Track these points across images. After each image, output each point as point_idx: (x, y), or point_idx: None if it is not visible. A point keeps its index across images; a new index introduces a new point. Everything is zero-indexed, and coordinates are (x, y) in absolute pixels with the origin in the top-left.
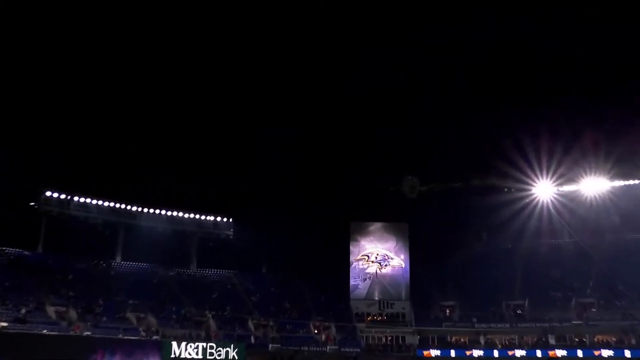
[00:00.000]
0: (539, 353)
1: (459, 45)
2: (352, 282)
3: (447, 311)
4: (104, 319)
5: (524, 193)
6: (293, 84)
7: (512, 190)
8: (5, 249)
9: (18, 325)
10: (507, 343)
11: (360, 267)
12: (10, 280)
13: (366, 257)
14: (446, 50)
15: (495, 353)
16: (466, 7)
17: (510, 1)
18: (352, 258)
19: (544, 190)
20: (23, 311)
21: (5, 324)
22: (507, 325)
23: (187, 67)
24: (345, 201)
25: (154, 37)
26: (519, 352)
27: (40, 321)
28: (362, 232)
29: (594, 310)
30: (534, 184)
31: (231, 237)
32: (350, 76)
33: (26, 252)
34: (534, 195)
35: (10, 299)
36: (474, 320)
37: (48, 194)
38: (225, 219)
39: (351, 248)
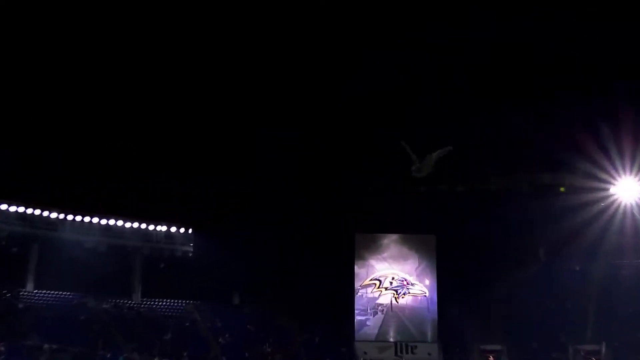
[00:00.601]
0: None
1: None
2: (357, 316)
3: (490, 358)
4: None
5: (599, 195)
6: (287, 83)
7: (582, 190)
8: None
9: None
10: None
11: (369, 295)
12: None
13: (377, 282)
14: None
15: None
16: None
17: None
18: (357, 284)
19: (627, 190)
20: None
21: None
22: None
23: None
24: (349, 206)
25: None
26: None
27: None
28: (372, 247)
29: None
30: (614, 182)
31: (190, 254)
32: (354, 76)
33: None
34: (614, 198)
35: None
36: None
37: None
38: (182, 230)
39: (356, 269)
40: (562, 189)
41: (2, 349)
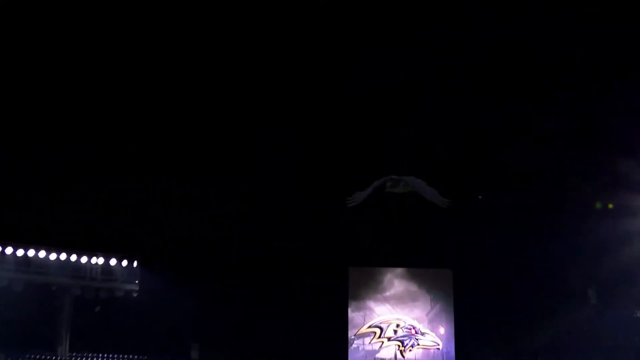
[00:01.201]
0: None
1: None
2: None
3: None
4: None
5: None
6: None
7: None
8: None
9: None
10: None
11: (367, 348)
12: None
13: (377, 331)
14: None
15: None
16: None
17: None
18: (351, 332)
19: None
20: None
21: None
22: None
23: None
24: (340, 233)
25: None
26: None
27: None
28: (371, 285)
29: None
30: None
31: (135, 294)
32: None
33: None
34: None
35: None
36: None
37: None
38: (124, 263)
39: (350, 313)
40: (610, 206)
41: None
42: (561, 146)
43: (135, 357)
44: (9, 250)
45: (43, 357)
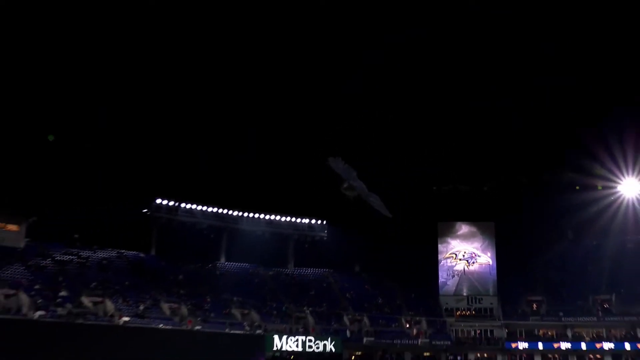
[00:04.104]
0: (627, 346)
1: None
2: (441, 279)
3: (534, 306)
4: (212, 314)
5: (610, 191)
6: None
7: (597, 187)
8: (124, 252)
9: (138, 320)
10: (594, 336)
11: (449, 264)
12: (130, 281)
13: (454, 255)
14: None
15: (583, 346)
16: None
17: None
18: (440, 256)
19: (630, 187)
20: (141, 308)
21: (127, 319)
22: (595, 319)
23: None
24: (433, 203)
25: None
26: (607, 345)
27: (156, 317)
28: (450, 232)
29: None
30: (620, 182)
31: (325, 238)
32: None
33: (142, 255)
34: (620, 193)
35: (130, 296)
36: (561, 314)
37: (158, 201)
38: (319, 222)
39: (439, 247)
40: (577, 188)
41: (208, 299)
42: None
43: (325, 270)
44: (262, 216)
45: (280, 270)
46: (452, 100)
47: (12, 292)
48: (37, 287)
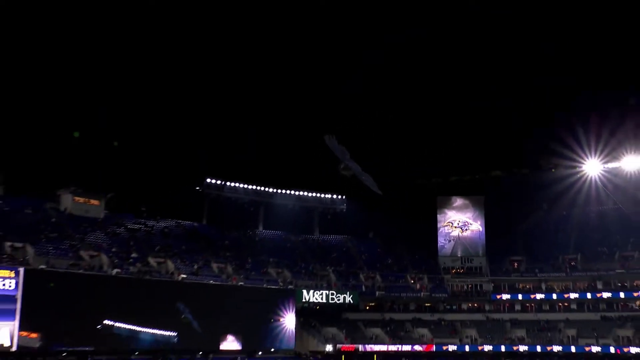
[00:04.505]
0: (589, 295)
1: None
2: (439, 243)
3: (515, 264)
4: (252, 273)
5: (575, 170)
6: None
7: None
8: (181, 222)
9: (193, 276)
10: (563, 288)
11: (446, 231)
12: (186, 245)
13: (450, 224)
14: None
15: (554, 296)
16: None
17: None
18: (439, 225)
19: (592, 167)
20: (195, 267)
21: (185, 276)
22: (564, 274)
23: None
24: (433, 181)
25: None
26: (573, 295)
27: (207, 274)
28: (447, 204)
29: (633, 261)
30: (584, 162)
31: (345, 210)
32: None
33: (195, 224)
34: (585, 171)
35: (187, 258)
36: (537, 271)
37: (208, 180)
38: (340, 197)
39: (438, 217)
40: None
41: (249, 260)
42: None
43: (346, 236)
44: (292, 192)
45: (308, 236)
46: (452, 100)
47: (95, 253)
48: (113, 249)
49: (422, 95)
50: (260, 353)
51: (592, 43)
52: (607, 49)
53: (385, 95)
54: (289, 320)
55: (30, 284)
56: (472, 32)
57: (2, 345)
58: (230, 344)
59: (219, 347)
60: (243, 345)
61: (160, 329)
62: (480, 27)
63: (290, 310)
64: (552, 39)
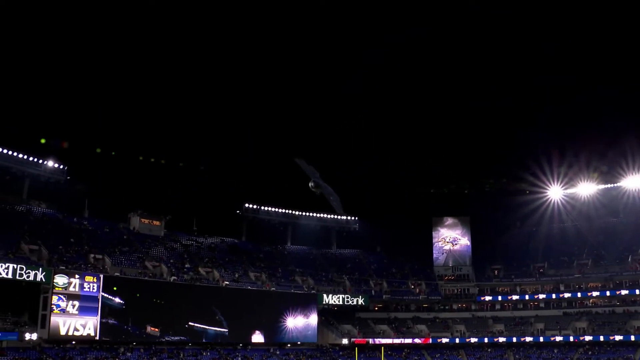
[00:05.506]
0: (553, 296)
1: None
2: (434, 255)
3: (496, 272)
4: (282, 280)
5: (541, 194)
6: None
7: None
8: (225, 239)
9: (234, 283)
10: (534, 290)
11: (440, 245)
12: (229, 257)
13: (443, 239)
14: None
15: (526, 297)
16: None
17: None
18: (434, 240)
19: (555, 192)
20: (236, 275)
21: (227, 283)
22: (534, 279)
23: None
24: (430, 202)
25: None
26: (541, 296)
27: (246, 281)
28: (440, 223)
29: (587, 268)
30: (548, 188)
31: (357, 229)
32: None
33: (236, 240)
34: (548, 196)
35: (229, 268)
36: (513, 277)
37: (247, 205)
38: (353, 218)
39: (433, 234)
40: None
41: (280, 270)
42: None
43: (357, 251)
44: (313, 214)
45: (327, 251)
46: (452, 100)
47: (157, 264)
48: (171, 261)
49: (422, 95)
50: (289, 345)
51: (592, 43)
52: (607, 49)
53: (385, 95)
54: (312, 319)
55: (107, 288)
56: (472, 32)
57: (89, 334)
58: (257, 336)
59: (250, 340)
60: (266, 338)
61: (214, 326)
62: (480, 27)
63: (314, 310)
64: (552, 39)
